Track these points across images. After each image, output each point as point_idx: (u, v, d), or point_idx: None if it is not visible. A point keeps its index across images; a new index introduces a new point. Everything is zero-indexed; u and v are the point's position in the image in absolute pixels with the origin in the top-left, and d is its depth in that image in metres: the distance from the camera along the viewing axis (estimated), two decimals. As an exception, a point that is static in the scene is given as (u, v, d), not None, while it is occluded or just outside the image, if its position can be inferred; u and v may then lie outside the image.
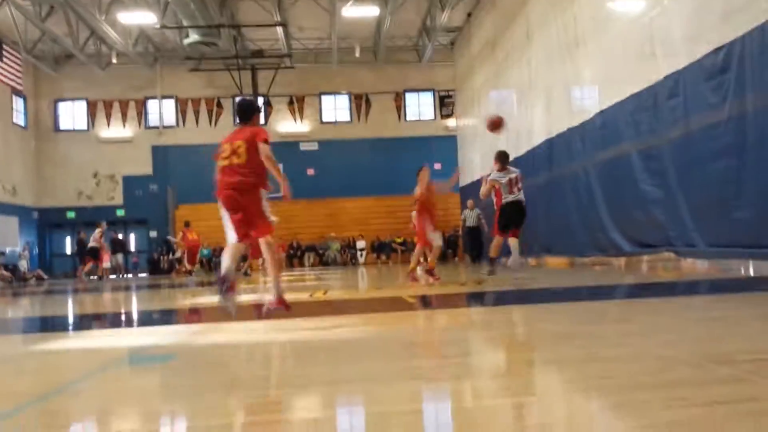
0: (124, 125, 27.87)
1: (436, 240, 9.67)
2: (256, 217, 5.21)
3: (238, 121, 5.57)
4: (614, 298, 6.88)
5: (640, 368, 2.74)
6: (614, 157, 11.15)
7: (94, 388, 3.00)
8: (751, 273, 8.70)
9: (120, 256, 25.19)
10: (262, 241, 5.30)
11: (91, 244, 19.78)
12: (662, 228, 9.73)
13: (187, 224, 21.04)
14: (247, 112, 5.47)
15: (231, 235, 5.27)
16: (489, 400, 2.44)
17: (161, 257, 26.25)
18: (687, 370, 2.65)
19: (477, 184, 21.25)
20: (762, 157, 7.29)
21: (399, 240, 25.89)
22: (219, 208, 5.31)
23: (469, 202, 20.11)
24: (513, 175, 8.68)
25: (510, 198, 8.74)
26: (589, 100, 12.49)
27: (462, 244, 23.45)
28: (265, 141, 5.19)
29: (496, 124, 9.22)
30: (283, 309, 5.35)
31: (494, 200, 9.41)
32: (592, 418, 2.16)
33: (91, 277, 19.69)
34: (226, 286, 5.15)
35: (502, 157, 8.86)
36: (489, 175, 8.93)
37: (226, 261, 5.25)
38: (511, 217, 8.77)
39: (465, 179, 23.87)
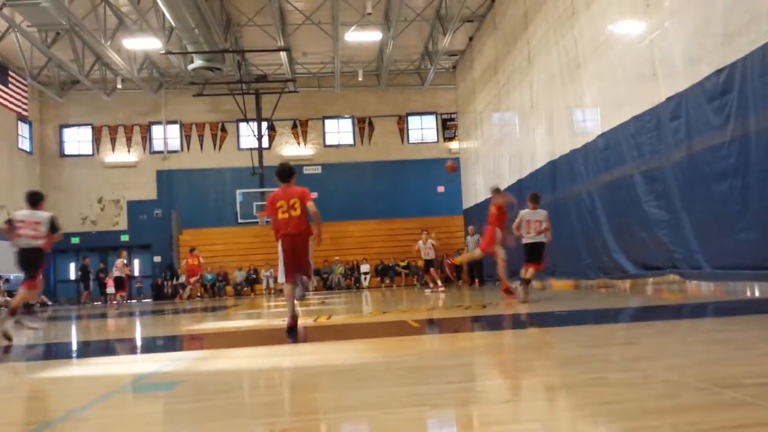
0: (128, 150, 28.04)
1: (500, 252, 10.54)
2: (303, 261, 6.73)
3: (279, 181, 6.92)
4: (620, 321, 6.84)
5: (647, 393, 2.72)
6: (617, 178, 11.16)
7: (98, 416, 2.98)
8: (757, 294, 8.66)
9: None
10: (305, 278, 6.99)
11: (116, 273, 20.14)
12: (667, 250, 9.70)
13: (191, 250, 21.20)
14: (288, 174, 6.92)
15: (281, 277, 6.80)
16: (496, 426, 2.41)
17: (165, 282, 26.23)
18: (694, 394, 2.63)
19: (479, 207, 21.31)
20: (765, 178, 7.28)
21: (403, 263, 25.84)
22: (277, 246, 6.75)
23: (470, 228, 20.95)
24: (536, 217, 9.57)
25: (528, 239, 9.62)
26: (591, 123, 12.53)
27: (465, 269, 23.60)
28: (311, 200, 6.73)
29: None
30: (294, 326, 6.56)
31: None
32: (599, 444, 2.14)
33: (116, 303, 20.29)
34: (291, 327, 6.46)
35: (532, 198, 9.84)
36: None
37: (289, 307, 6.65)
38: (529, 255, 9.67)
39: (468, 202, 23.92)
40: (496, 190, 11.08)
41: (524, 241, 9.63)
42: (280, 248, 6.70)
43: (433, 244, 17.53)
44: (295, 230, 6.61)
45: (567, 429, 2.34)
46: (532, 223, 9.54)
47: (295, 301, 6.69)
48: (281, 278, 6.80)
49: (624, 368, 3.38)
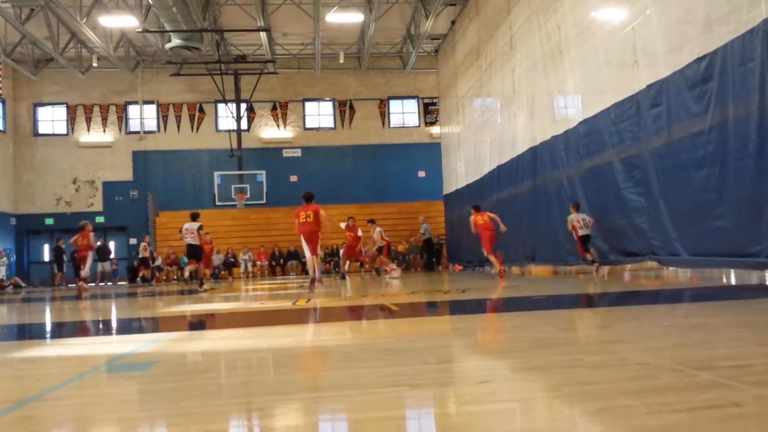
0: (104, 130, 27.61)
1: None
2: (314, 246, 11.57)
3: (304, 200, 11.67)
4: (597, 305, 6.90)
5: (623, 374, 2.74)
6: (598, 165, 11.23)
7: (72, 395, 2.94)
8: (732, 281, 8.79)
9: (107, 264, 24.93)
10: (315, 256, 11.63)
11: (142, 254, 21.71)
12: (645, 237, 9.79)
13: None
14: (309, 198, 11.66)
15: (307, 253, 11.74)
16: (472, 406, 2.42)
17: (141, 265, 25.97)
18: (669, 376, 2.66)
19: (460, 192, 21.37)
20: (743, 166, 7.36)
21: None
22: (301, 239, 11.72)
23: (421, 218, 23.41)
24: (580, 218, 11.79)
25: (581, 232, 11.76)
26: (572, 109, 12.57)
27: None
28: (322, 211, 11.50)
29: None
30: (321, 283, 11.71)
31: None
32: (575, 423, 2.15)
33: (145, 282, 20.98)
34: (312, 280, 11.46)
35: (575, 206, 11.99)
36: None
37: (310, 268, 11.68)
38: (584, 244, 11.77)
39: (449, 188, 23.95)
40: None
41: (580, 233, 11.82)
42: (302, 239, 11.58)
43: (380, 234, 18.38)
44: (307, 230, 11.45)
45: (544, 409, 2.34)
46: (580, 221, 11.84)
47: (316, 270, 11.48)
48: (307, 254, 11.71)
49: (600, 350, 3.40)
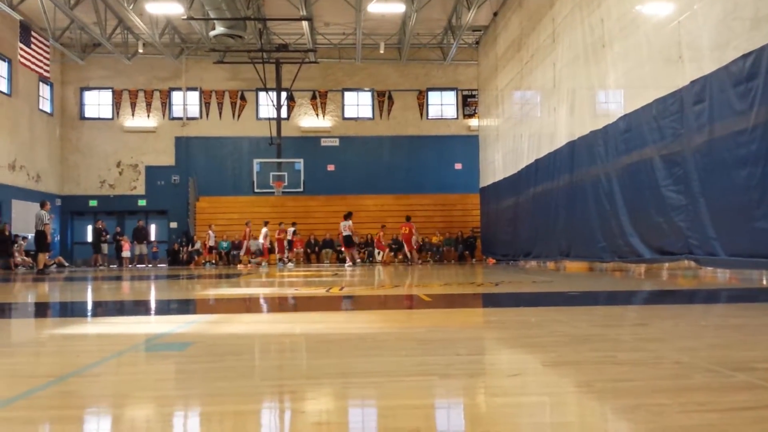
0: (148, 115, 28.14)
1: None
2: (410, 245, 19.19)
3: (405, 221, 20.09)
4: (633, 303, 6.81)
5: (657, 373, 2.71)
6: (637, 162, 11.03)
7: (110, 372, 3.03)
8: (773, 283, 8.58)
9: (144, 246, 25.43)
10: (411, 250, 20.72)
11: (210, 243, 23.21)
12: (683, 236, 9.61)
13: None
14: (409, 219, 18.77)
15: (406, 247, 19.88)
16: (502, 398, 2.42)
17: (181, 248, 26.46)
18: (705, 376, 2.62)
19: (497, 185, 21.22)
20: (788, 166, 7.17)
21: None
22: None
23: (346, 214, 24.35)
24: (347, 224, 17.88)
25: (345, 233, 17.23)
26: (613, 104, 12.36)
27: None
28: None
29: None
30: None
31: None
32: (606, 419, 2.14)
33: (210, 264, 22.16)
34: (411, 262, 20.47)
35: (345, 215, 17.02)
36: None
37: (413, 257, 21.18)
38: (345, 243, 17.11)
39: (485, 180, 23.80)
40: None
41: (344, 234, 17.31)
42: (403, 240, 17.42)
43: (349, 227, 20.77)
44: (406, 236, 15.72)
45: (575, 403, 2.34)
46: (347, 227, 16.90)
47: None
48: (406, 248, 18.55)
49: (635, 348, 3.37)
